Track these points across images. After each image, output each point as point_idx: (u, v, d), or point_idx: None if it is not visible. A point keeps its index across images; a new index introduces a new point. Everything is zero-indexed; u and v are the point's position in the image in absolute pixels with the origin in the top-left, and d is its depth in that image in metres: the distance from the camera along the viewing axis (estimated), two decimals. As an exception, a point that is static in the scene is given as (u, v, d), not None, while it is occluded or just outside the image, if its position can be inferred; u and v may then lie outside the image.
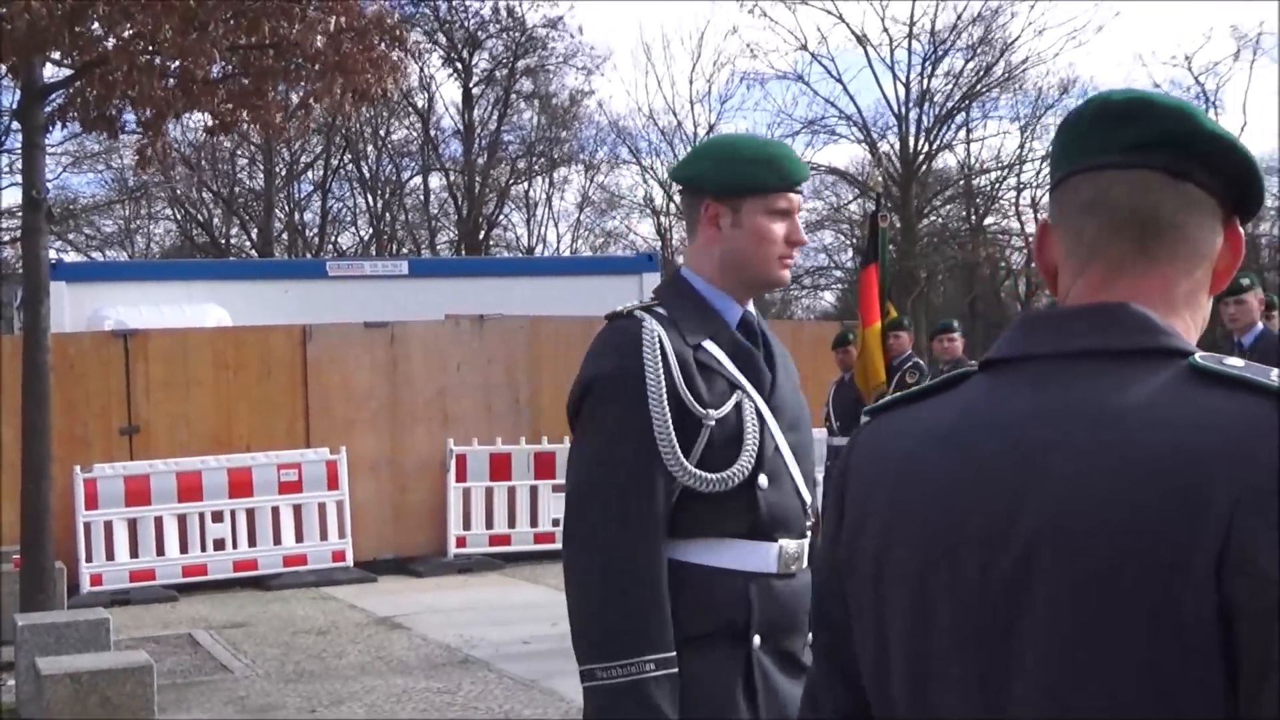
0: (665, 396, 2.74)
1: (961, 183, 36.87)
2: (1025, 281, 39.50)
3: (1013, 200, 37.38)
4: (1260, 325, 7.86)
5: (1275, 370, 1.29)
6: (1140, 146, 1.43)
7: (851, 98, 35.82)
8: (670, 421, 2.73)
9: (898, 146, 34.21)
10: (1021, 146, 36.32)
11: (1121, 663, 1.23)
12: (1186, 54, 46.93)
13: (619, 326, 2.83)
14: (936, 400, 1.51)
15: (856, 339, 11.03)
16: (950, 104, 34.61)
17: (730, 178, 2.86)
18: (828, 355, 12.05)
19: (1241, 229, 1.47)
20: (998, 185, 36.86)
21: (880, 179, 27.08)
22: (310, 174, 39.44)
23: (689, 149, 2.96)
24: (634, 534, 2.74)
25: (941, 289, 38.07)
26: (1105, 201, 1.45)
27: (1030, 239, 38.06)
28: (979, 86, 34.69)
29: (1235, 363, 1.31)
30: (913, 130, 34.17)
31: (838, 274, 40.85)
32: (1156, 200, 1.42)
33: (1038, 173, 36.62)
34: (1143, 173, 1.43)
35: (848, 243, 41.20)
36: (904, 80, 34.13)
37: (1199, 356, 1.33)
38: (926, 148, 34.64)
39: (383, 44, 9.29)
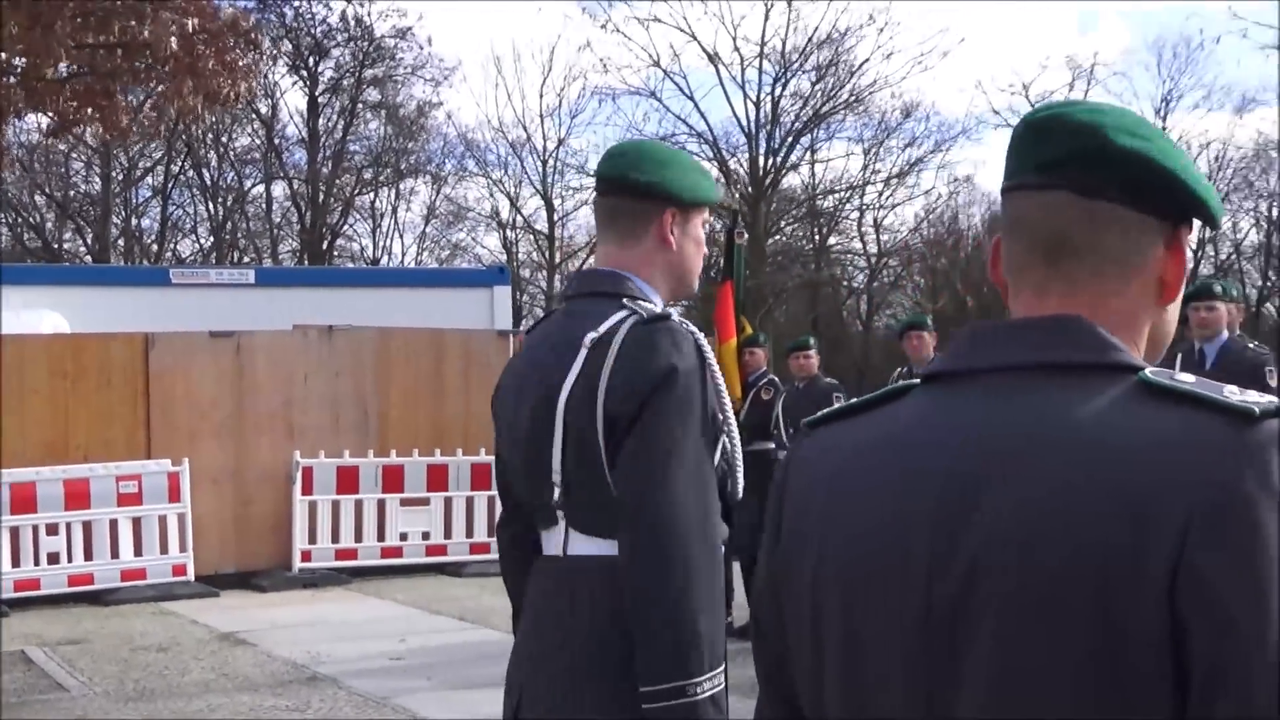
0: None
1: (807, 203, 37.33)
2: (867, 300, 40.18)
3: (856, 221, 38.00)
4: (1225, 335, 7.75)
5: (1228, 386, 1.28)
6: (1051, 166, 1.41)
7: (703, 115, 36.16)
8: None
9: (747, 165, 34.53)
10: (865, 169, 36.97)
11: (1070, 684, 1.21)
12: (1024, 82, 48.05)
13: (672, 328, 2.72)
14: (875, 414, 1.47)
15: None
16: (798, 124, 35.06)
17: (693, 188, 2.86)
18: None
19: (1190, 235, 1.46)
20: (841, 206, 37.44)
21: (737, 196, 27.29)
22: (149, 179, 38.54)
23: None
24: (716, 532, 2.68)
25: (785, 307, 38.50)
26: (1023, 223, 1.44)
27: (871, 259, 38.76)
28: (825, 108, 35.19)
29: (1186, 378, 1.30)
30: (762, 149, 34.56)
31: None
32: (1066, 222, 1.40)
33: (880, 194, 37.31)
34: (1054, 194, 1.41)
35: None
36: (754, 99, 34.52)
37: (1149, 372, 1.32)
38: (775, 167, 35.02)
39: (237, 47, 9.10)
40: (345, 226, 40.14)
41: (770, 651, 1.55)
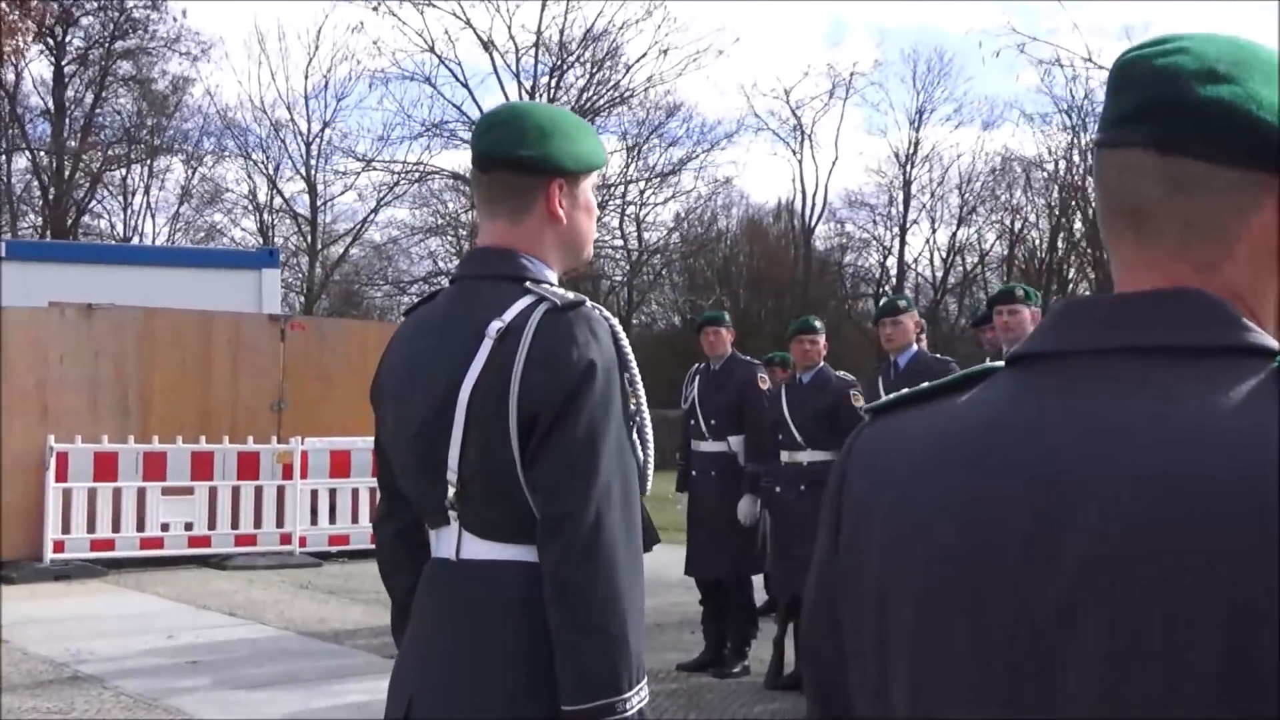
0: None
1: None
2: (628, 293, 40.38)
3: (618, 217, 38.12)
4: (915, 348, 7.94)
5: None
6: (1127, 120, 1.23)
7: (477, 103, 35.71)
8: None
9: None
10: (627, 166, 37.14)
11: (1187, 710, 1.05)
12: (785, 88, 49.04)
13: (587, 315, 2.53)
14: (951, 401, 1.28)
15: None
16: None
17: (580, 155, 2.66)
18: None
19: None
20: (604, 203, 37.47)
21: None
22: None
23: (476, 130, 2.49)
24: (639, 535, 2.51)
25: (548, 301, 38.28)
26: (1105, 187, 1.25)
27: (632, 254, 38.96)
28: (596, 102, 35.20)
29: None
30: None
31: (443, 281, 40.63)
32: (1145, 185, 1.21)
33: (641, 193, 37.55)
34: (1130, 152, 1.22)
35: (453, 251, 41.13)
36: (529, 89, 34.27)
37: None
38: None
39: None
40: (93, 203, 38.49)
41: (822, 671, 1.36)
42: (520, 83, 34.35)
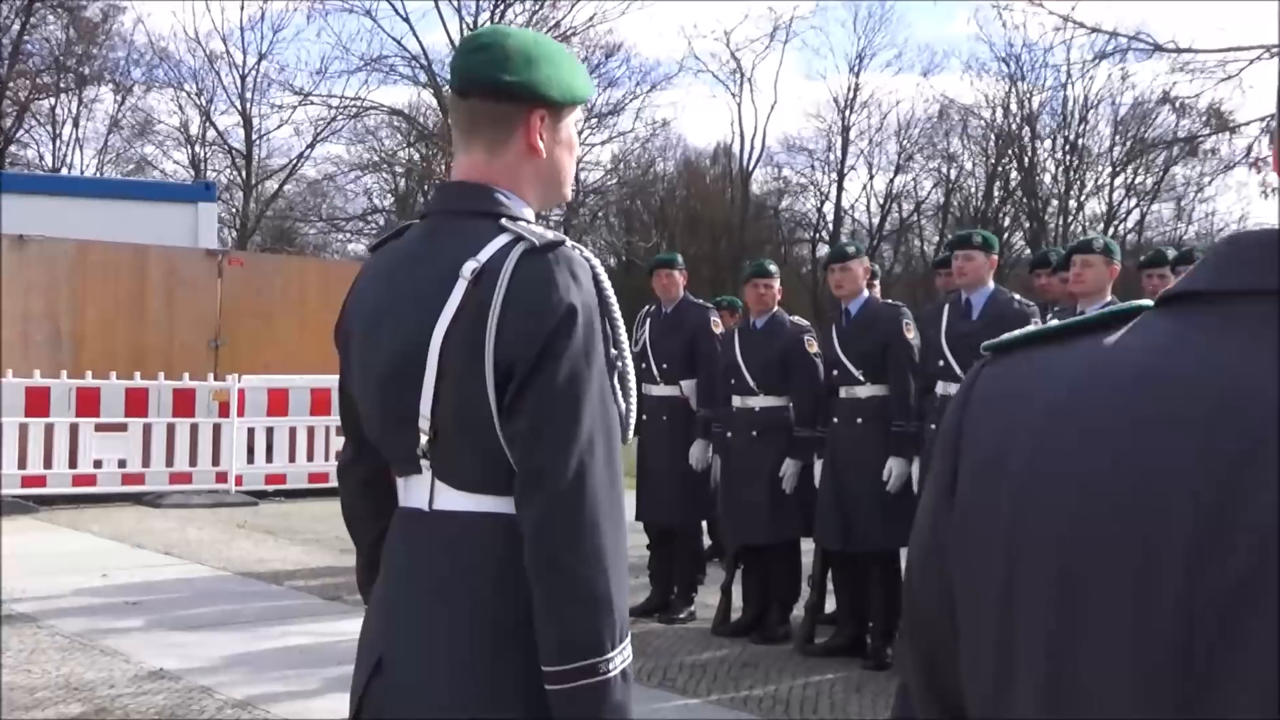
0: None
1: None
2: (564, 233, 40.08)
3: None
4: (866, 294, 7.80)
5: None
6: None
7: (418, 38, 35.26)
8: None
9: (462, 93, 33.72)
10: (569, 105, 36.73)
11: None
12: (726, 30, 48.77)
13: (568, 256, 2.38)
14: (1093, 340, 1.16)
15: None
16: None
17: (566, 86, 2.50)
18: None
19: None
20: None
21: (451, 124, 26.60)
22: None
23: (459, 50, 2.30)
24: (622, 487, 2.39)
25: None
26: None
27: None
28: (536, 41, 34.77)
29: None
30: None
31: (380, 221, 40.31)
32: None
33: (579, 133, 37.15)
34: None
35: (389, 189, 40.73)
36: (471, 24, 33.78)
37: None
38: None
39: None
40: (20, 133, 37.65)
41: (927, 639, 1.24)
42: (462, 18, 33.89)
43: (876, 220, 42.85)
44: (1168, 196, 39.30)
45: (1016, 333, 1.23)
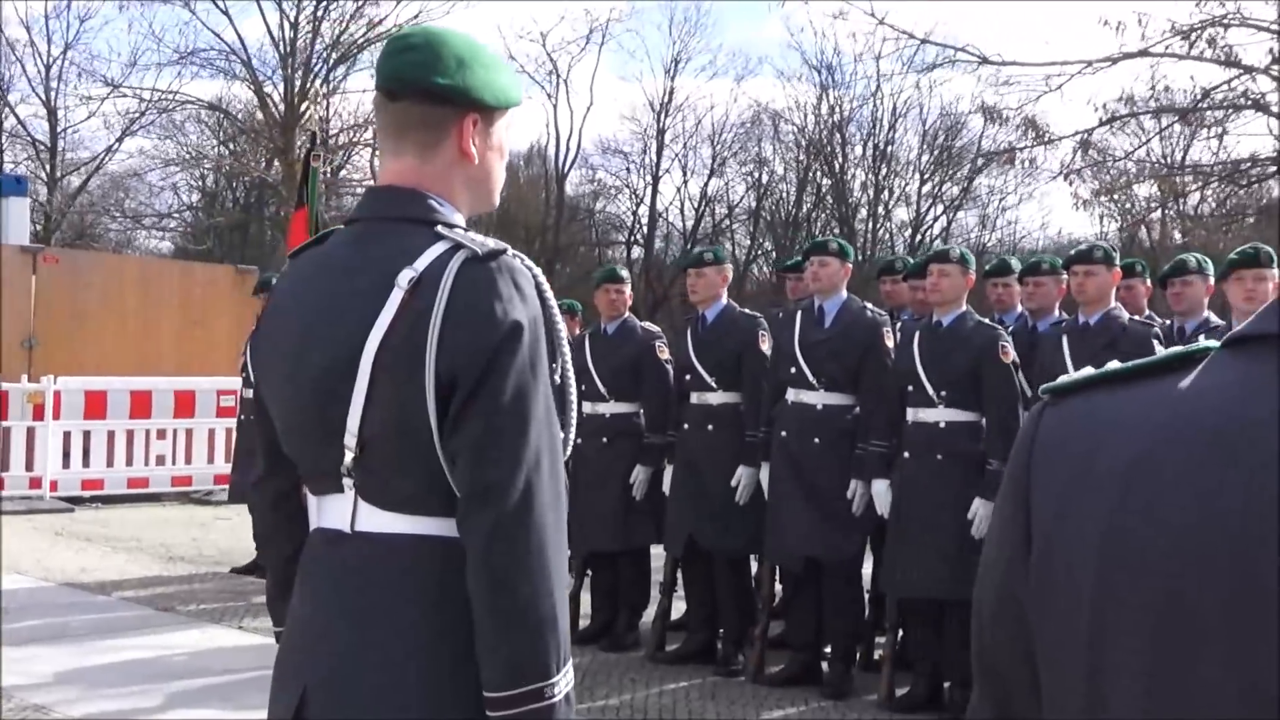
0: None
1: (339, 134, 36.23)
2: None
3: (369, 157, 37.24)
4: (724, 301, 7.76)
5: None
6: None
7: (237, 31, 34.36)
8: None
9: (282, 89, 33.09)
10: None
11: None
12: (543, 32, 48.62)
13: (511, 266, 2.29)
14: (1165, 384, 1.15)
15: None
16: (335, 55, 33.87)
17: (499, 89, 2.44)
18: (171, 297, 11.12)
19: None
20: (355, 140, 36.43)
21: (315, 118, 25.98)
22: None
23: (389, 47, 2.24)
24: (565, 505, 2.30)
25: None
26: None
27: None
28: (356, 37, 34.23)
29: None
30: (299, 75, 33.11)
31: (188, 218, 39.34)
32: None
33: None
34: None
35: (196, 186, 39.75)
36: (293, 19, 33.07)
37: None
38: (296, 95, 33.72)
39: None
40: None
41: (1004, 686, 1.24)
42: (284, 13, 33.15)
43: (690, 224, 43.19)
44: (972, 205, 40.38)
45: (1076, 375, 1.23)
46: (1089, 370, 1.22)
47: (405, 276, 2.26)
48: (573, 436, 2.45)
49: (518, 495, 2.20)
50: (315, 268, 2.45)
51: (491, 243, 2.32)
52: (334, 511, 2.37)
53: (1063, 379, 1.23)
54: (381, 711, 2.27)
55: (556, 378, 2.36)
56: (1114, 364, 1.21)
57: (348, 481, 2.32)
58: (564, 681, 2.23)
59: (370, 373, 2.25)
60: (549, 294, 2.36)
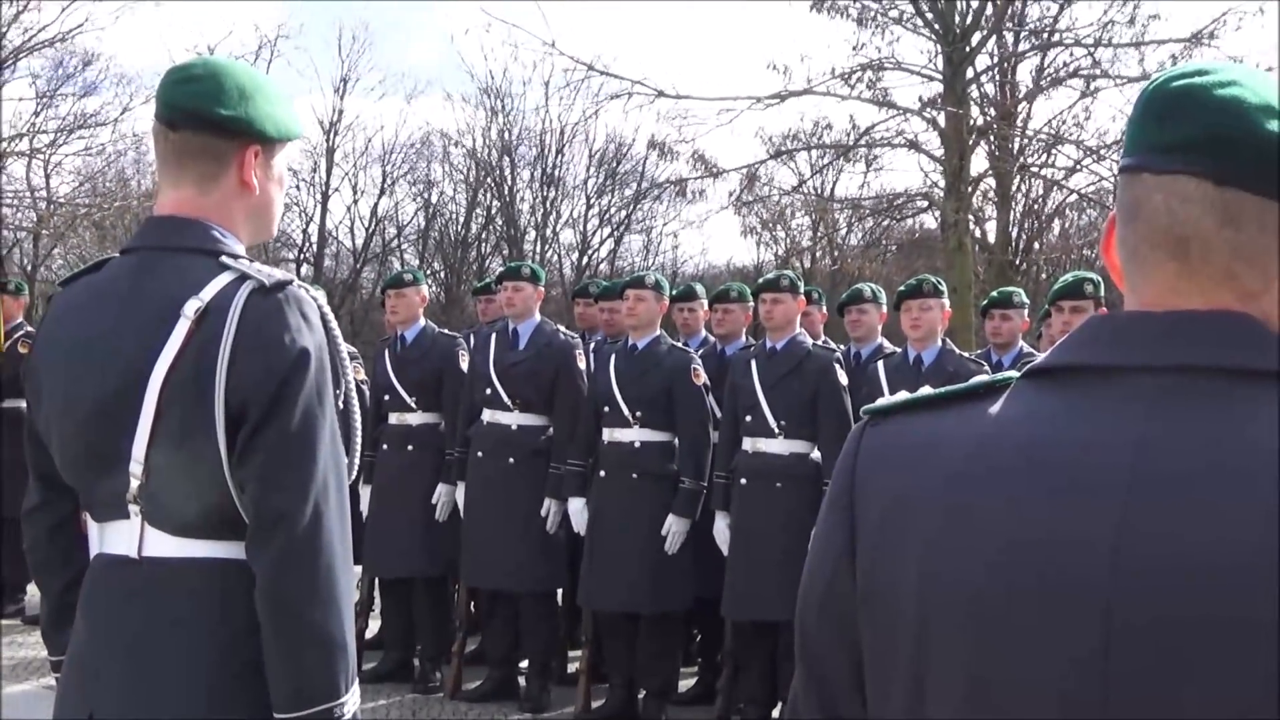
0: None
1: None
2: (33, 246, 37.79)
3: (26, 165, 35.49)
4: (536, 319, 7.51)
5: None
6: (1179, 148, 1.22)
7: None
8: None
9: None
10: (37, 114, 34.65)
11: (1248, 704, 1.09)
12: (210, 45, 47.28)
13: (297, 296, 2.33)
14: (974, 409, 1.28)
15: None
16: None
17: (281, 122, 2.49)
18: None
19: None
20: (7, 152, 34.64)
21: None
22: None
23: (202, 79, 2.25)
24: (350, 529, 2.37)
25: None
26: (1142, 211, 1.25)
27: (39, 203, 36.43)
28: (14, 42, 32.54)
29: None
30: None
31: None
32: (1191, 213, 1.21)
33: (52, 142, 35.21)
34: (1181, 180, 1.22)
35: None
36: None
37: None
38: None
39: None
40: None
41: (827, 691, 1.35)
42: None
43: (361, 242, 42.74)
44: (638, 229, 41.28)
45: (895, 398, 1.37)
46: (904, 394, 1.37)
47: (192, 306, 2.29)
48: (358, 461, 2.53)
49: (306, 521, 2.26)
50: (89, 296, 2.45)
51: (278, 273, 2.38)
52: (119, 537, 2.38)
53: (881, 401, 1.37)
54: None
55: (340, 403, 2.43)
56: (926, 389, 1.36)
57: (134, 508, 2.34)
58: (352, 701, 2.31)
59: (156, 403, 2.28)
60: (333, 322, 2.42)
